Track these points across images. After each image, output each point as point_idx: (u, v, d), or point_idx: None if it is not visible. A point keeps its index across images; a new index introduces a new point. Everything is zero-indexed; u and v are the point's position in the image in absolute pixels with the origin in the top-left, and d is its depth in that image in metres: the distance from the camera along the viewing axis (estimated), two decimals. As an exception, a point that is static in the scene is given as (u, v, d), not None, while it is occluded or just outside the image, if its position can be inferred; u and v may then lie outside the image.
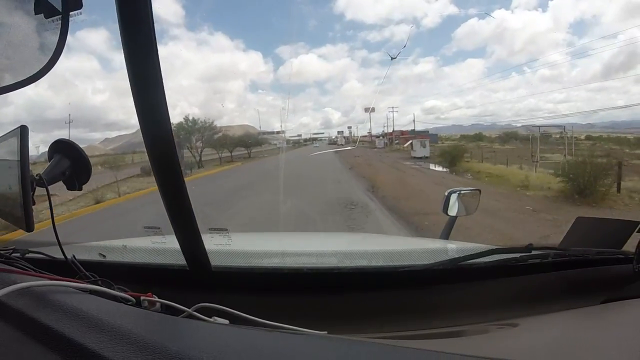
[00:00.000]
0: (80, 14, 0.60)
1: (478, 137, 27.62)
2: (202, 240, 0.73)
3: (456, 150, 17.39)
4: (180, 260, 0.76)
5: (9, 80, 0.64)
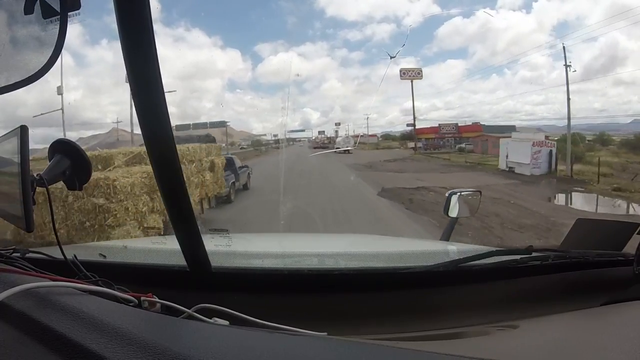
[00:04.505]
0: (79, 14, 0.59)
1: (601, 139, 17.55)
2: (202, 241, 0.73)
3: None
4: (180, 260, 0.76)
5: (8, 81, 0.64)
